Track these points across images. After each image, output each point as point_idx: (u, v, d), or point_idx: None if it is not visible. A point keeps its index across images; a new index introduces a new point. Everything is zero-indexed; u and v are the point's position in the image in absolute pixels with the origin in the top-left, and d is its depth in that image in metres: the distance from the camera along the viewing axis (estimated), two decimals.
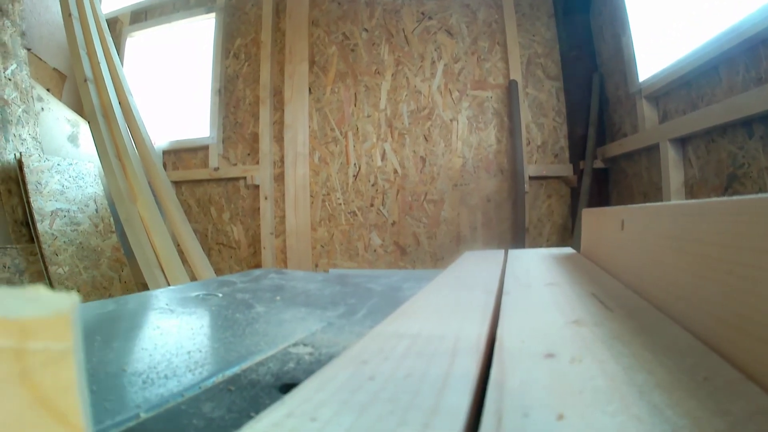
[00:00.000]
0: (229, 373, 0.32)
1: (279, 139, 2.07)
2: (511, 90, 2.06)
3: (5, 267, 2.12)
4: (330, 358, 0.34)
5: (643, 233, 0.36)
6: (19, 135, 2.26)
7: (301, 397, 0.16)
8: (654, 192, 1.72)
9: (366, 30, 2.10)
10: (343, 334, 0.42)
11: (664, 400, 0.15)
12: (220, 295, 0.63)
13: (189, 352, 0.37)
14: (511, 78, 2.07)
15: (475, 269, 0.52)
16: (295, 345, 0.38)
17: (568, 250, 0.71)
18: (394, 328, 0.26)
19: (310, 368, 0.32)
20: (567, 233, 2.08)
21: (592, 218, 0.62)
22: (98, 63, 2.15)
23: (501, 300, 0.33)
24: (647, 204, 0.37)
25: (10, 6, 2.42)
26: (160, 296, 0.63)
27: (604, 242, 0.51)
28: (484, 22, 2.11)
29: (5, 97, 2.29)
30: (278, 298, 0.60)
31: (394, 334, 0.24)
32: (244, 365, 0.33)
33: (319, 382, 0.18)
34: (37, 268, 2.16)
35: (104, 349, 0.38)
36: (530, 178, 2.03)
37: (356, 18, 2.11)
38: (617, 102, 2.03)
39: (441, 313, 0.29)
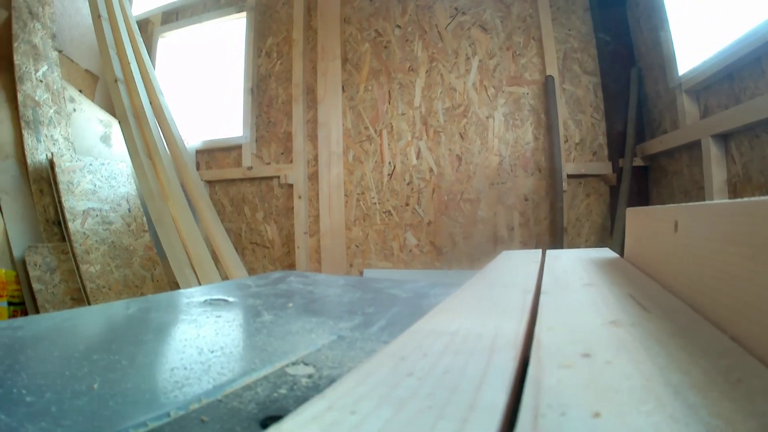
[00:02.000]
0: (210, 398, 0.27)
1: (313, 137, 2.04)
2: (547, 86, 2.01)
3: (36, 265, 2.13)
4: (331, 382, 0.29)
5: (704, 236, 0.31)
6: (51, 135, 2.27)
7: (341, 391, 0.17)
8: (696, 191, 1.65)
9: (399, 26, 2.06)
10: (353, 351, 0.37)
11: (699, 401, 0.16)
12: (231, 300, 0.59)
13: (172, 369, 0.32)
14: (548, 73, 2.01)
15: (513, 268, 0.50)
16: (294, 364, 0.34)
17: (606, 251, 0.67)
18: (432, 326, 0.26)
19: (304, 395, 0.28)
20: (606, 233, 2.02)
21: (638, 218, 0.55)
22: (128, 63, 2.14)
23: (539, 299, 0.32)
24: (714, 201, 0.32)
25: (40, 9, 2.43)
26: (165, 301, 0.59)
27: (653, 246, 0.46)
28: (518, 17, 2.06)
29: (36, 98, 2.31)
30: (290, 305, 0.56)
31: (432, 332, 0.24)
32: (229, 389, 0.29)
33: (359, 377, 0.18)
34: (68, 267, 2.17)
35: (79, 363, 0.33)
36: (568, 176, 1.97)
37: (388, 14, 2.07)
38: (656, 97, 1.96)
39: (479, 312, 0.29)
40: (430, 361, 0.20)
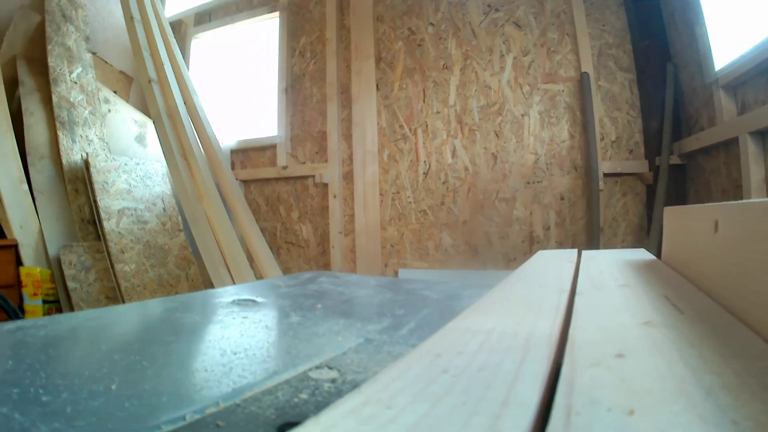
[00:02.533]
0: (228, 402, 0.27)
1: (347, 136, 2.04)
2: (582, 83, 1.98)
3: (71, 264, 2.16)
4: (354, 387, 0.28)
5: (744, 237, 0.30)
6: (86, 136, 2.31)
7: (378, 387, 0.17)
8: (733, 189, 1.62)
9: (432, 24, 2.05)
10: (379, 355, 0.36)
11: (730, 402, 0.16)
12: (259, 300, 0.58)
13: (192, 371, 0.32)
14: (583, 70, 1.98)
15: (549, 268, 0.50)
16: (318, 368, 0.33)
17: (642, 251, 0.65)
18: (468, 324, 0.26)
19: (325, 401, 0.27)
20: (643, 234, 1.98)
21: (676, 218, 0.53)
22: (162, 64, 2.16)
23: (574, 300, 0.33)
24: (755, 200, 0.30)
25: (74, 12, 2.47)
26: (192, 301, 0.58)
27: (691, 246, 0.44)
28: (552, 13, 2.04)
29: (71, 99, 2.34)
30: (319, 305, 0.55)
31: (467, 330, 0.25)
32: (248, 393, 0.28)
33: (395, 373, 0.18)
34: (103, 266, 2.20)
35: (100, 363, 0.33)
36: (604, 175, 1.95)
37: (421, 12, 2.06)
38: (692, 93, 1.92)
39: (514, 311, 0.29)
40: (465, 359, 0.20)
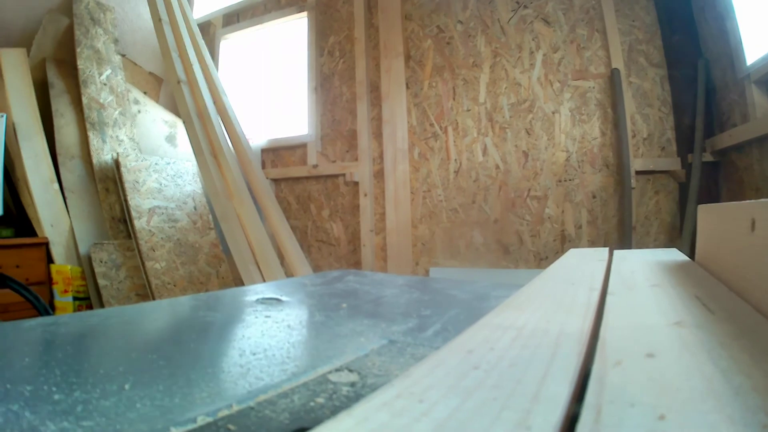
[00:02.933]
0: (242, 405, 0.26)
1: (377, 135, 2.04)
2: (613, 79, 1.96)
3: (102, 261, 2.19)
4: (374, 390, 0.26)
5: None
6: (116, 136, 2.34)
7: (410, 381, 0.17)
8: (767, 188, 1.59)
9: (460, 22, 2.04)
10: (402, 358, 0.35)
11: (758, 403, 0.16)
12: (284, 299, 0.57)
13: (209, 372, 0.31)
14: (613, 66, 1.96)
15: (580, 266, 0.50)
16: (338, 370, 0.32)
17: (674, 251, 0.64)
18: (500, 320, 0.27)
19: (343, 405, 0.26)
20: (675, 233, 1.96)
21: (710, 216, 0.51)
22: (191, 65, 2.18)
23: (605, 299, 0.33)
24: None
25: (102, 15, 2.50)
26: (216, 299, 0.58)
27: (726, 246, 0.42)
28: (581, 9, 2.02)
29: (101, 100, 2.37)
30: (344, 305, 0.54)
31: (499, 326, 0.25)
32: (263, 396, 0.27)
33: (428, 369, 0.19)
34: (134, 263, 2.23)
35: (116, 361, 0.32)
36: (636, 172, 1.93)
37: (450, 10, 2.06)
38: (725, 89, 1.89)
39: (545, 308, 0.30)
40: (497, 355, 0.20)
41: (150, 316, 0.49)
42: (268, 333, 0.41)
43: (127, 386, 0.28)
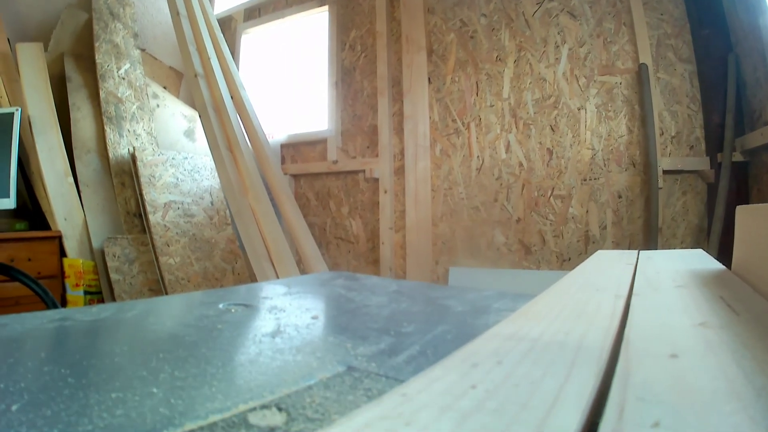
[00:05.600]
0: None
1: (399, 131, 2.00)
2: (641, 74, 1.90)
3: (115, 256, 2.18)
4: None
5: None
6: (134, 131, 2.33)
7: (401, 398, 0.16)
8: None
9: (484, 15, 2.00)
10: (353, 394, 0.28)
11: None
12: (250, 306, 0.50)
13: (114, 398, 0.25)
14: (641, 61, 1.91)
15: (607, 270, 0.48)
16: (264, 407, 0.26)
17: (700, 252, 0.62)
18: (514, 329, 0.25)
19: None
20: (702, 235, 1.89)
21: (751, 219, 0.45)
22: (208, 58, 2.16)
23: (630, 301, 0.32)
24: None
25: (121, 10, 2.49)
26: (178, 304, 0.51)
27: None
28: (607, 2, 1.96)
29: (119, 95, 2.36)
30: (316, 316, 0.47)
31: (512, 336, 0.24)
32: None
33: (425, 382, 0.17)
34: (147, 258, 2.21)
35: (26, 372, 0.28)
36: (664, 172, 1.86)
37: (473, 3, 2.01)
38: (756, 85, 1.83)
39: (565, 317, 0.28)
40: (504, 371, 0.19)
41: (95, 323, 0.43)
42: (202, 353, 0.34)
43: (14, 407, 0.23)
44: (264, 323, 0.45)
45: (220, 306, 0.50)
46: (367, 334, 0.41)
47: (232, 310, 0.49)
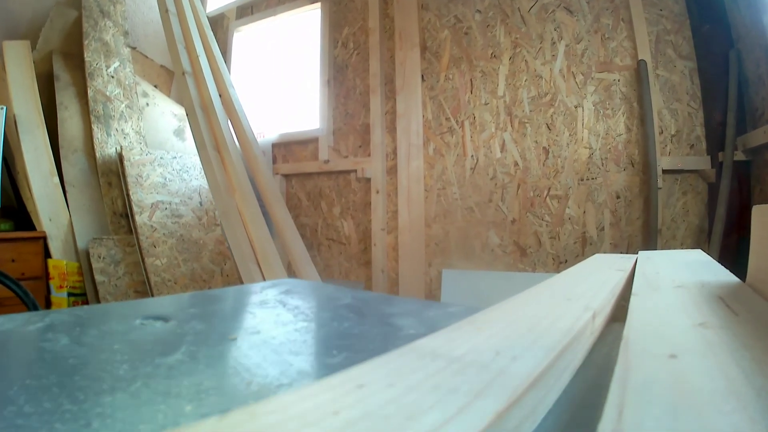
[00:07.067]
0: None
1: (391, 129, 1.95)
2: (639, 71, 1.86)
3: (100, 257, 2.13)
4: None
5: None
6: (122, 129, 2.28)
7: (247, 416, 0.14)
8: None
9: (479, 11, 1.95)
10: None
11: None
12: (169, 321, 0.43)
13: None
14: (640, 58, 1.86)
15: (591, 277, 0.44)
16: None
17: (699, 252, 0.60)
18: (438, 344, 0.22)
19: None
20: (703, 237, 1.85)
21: None
22: (197, 56, 2.12)
23: (630, 302, 0.32)
24: None
25: (112, 7, 2.45)
26: (100, 313, 0.45)
27: None
28: None
29: (107, 93, 2.32)
30: (235, 336, 0.40)
31: (430, 353, 0.20)
32: None
33: (287, 402, 0.15)
34: (133, 259, 2.16)
35: None
36: (663, 171, 1.82)
37: None
38: (758, 82, 1.78)
39: (510, 332, 0.24)
40: (389, 396, 0.15)
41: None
42: (80, 380, 0.28)
43: None
44: (168, 344, 0.36)
45: (137, 321, 0.43)
46: (276, 363, 0.32)
47: (146, 325, 0.42)
